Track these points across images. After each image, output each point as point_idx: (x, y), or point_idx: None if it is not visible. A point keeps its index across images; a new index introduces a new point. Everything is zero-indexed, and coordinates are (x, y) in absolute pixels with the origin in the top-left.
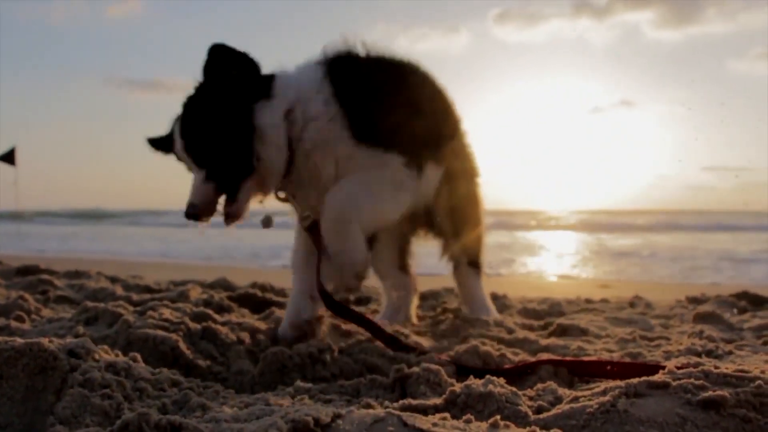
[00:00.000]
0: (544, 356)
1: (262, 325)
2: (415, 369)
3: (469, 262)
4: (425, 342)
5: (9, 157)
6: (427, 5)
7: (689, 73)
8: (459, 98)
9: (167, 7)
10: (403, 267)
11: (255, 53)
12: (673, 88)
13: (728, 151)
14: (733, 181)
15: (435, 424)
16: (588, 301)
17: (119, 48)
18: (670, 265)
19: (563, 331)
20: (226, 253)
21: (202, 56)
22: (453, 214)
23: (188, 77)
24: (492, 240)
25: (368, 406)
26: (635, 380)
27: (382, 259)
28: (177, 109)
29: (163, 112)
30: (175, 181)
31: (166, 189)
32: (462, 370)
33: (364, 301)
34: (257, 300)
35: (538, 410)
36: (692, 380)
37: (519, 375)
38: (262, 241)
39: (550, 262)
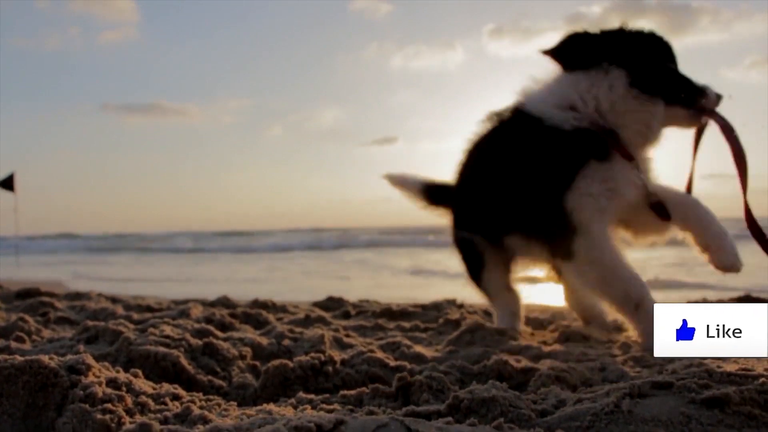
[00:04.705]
0: (548, 362)
1: (263, 341)
2: (418, 377)
3: None
4: (428, 352)
5: (8, 183)
6: (420, 23)
7: None
8: (457, 114)
9: (161, 30)
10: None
11: (251, 74)
12: None
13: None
14: (731, 189)
15: (439, 429)
16: None
17: (114, 73)
18: (669, 272)
19: (566, 338)
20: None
21: (198, 77)
22: None
23: (185, 99)
24: None
25: (371, 413)
26: (638, 381)
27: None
28: (174, 132)
29: (162, 135)
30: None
31: (168, 213)
32: None
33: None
34: (259, 317)
35: (542, 413)
36: (696, 379)
37: None
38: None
39: (551, 273)
